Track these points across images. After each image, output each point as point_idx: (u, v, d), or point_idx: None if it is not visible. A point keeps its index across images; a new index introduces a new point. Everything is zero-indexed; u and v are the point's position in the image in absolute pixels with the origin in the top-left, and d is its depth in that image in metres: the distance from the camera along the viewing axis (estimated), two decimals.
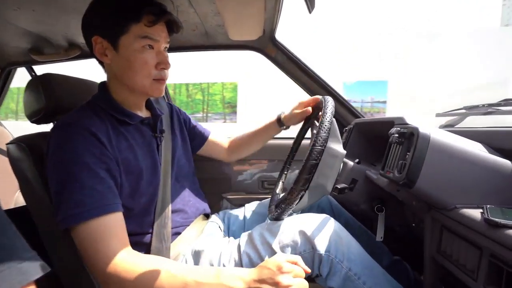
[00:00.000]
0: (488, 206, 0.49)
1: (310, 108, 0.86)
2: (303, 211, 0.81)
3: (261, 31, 0.99)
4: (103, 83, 0.75)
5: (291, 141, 0.98)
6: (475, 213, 0.48)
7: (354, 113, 1.26)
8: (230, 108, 5.25)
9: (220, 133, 1.10)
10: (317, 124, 0.66)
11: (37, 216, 0.68)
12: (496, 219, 0.43)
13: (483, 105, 0.74)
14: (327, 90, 1.26)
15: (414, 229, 0.76)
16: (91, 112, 0.67)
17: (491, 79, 4.54)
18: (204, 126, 1.06)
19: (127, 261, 0.56)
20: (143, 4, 0.66)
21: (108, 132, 0.65)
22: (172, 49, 1.23)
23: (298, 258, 0.58)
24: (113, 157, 0.63)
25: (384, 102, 5.68)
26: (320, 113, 0.69)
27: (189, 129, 0.98)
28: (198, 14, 0.89)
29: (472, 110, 0.77)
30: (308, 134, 0.89)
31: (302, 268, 0.56)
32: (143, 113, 0.78)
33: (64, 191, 0.57)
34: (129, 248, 0.59)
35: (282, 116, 0.95)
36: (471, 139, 0.60)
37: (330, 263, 0.65)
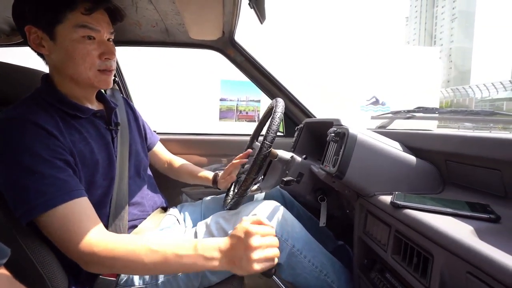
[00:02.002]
0: (396, 192, 0.61)
1: (234, 177, 0.98)
2: (255, 199, 0.89)
3: (220, 32, 1.03)
4: (46, 75, 0.70)
5: (248, 138, 1.07)
6: (387, 198, 0.60)
7: (306, 112, 1.38)
8: None
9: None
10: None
11: None
12: (398, 202, 0.55)
13: (404, 111, 0.89)
14: (281, 90, 1.36)
15: (349, 215, 0.89)
16: (35, 107, 0.62)
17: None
18: None
19: (105, 240, 0.56)
20: None
21: (58, 125, 0.61)
22: (132, 43, 1.21)
23: (260, 217, 0.59)
24: (68, 149, 0.61)
25: (258, 101, 6.73)
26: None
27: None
28: (158, 11, 0.91)
29: (396, 114, 0.92)
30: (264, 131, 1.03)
31: (268, 226, 0.59)
32: (95, 106, 0.76)
33: (21, 185, 0.54)
34: (104, 228, 0.59)
35: (218, 178, 1.00)
36: (393, 139, 0.73)
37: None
